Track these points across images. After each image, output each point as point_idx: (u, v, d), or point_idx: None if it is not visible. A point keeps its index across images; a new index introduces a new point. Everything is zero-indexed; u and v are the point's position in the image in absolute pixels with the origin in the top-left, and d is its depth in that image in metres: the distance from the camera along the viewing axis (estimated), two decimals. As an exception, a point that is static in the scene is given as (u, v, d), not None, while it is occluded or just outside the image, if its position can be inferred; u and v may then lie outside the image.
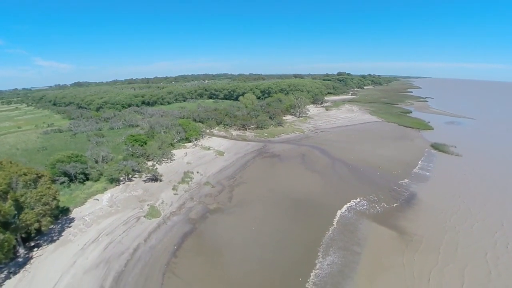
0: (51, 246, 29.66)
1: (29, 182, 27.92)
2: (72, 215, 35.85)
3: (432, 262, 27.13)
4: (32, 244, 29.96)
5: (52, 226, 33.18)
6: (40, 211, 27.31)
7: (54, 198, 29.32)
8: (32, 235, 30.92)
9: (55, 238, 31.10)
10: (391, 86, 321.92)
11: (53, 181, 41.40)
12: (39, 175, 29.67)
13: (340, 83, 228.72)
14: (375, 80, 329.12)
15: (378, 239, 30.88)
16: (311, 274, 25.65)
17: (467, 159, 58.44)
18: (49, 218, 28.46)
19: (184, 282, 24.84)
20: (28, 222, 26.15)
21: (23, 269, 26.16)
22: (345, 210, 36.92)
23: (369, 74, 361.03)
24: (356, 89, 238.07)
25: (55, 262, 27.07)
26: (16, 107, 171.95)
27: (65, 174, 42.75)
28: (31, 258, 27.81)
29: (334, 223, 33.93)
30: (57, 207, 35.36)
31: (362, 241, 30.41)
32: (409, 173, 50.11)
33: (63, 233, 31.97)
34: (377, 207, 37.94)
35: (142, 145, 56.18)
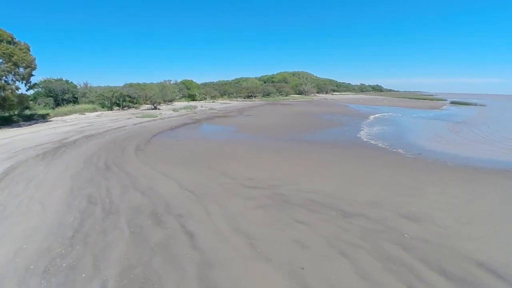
0: (16, 128, 23.39)
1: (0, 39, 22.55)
2: (51, 119, 29.76)
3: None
4: (-6, 127, 23.70)
5: (22, 122, 27.44)
6: (7, 68, 21.59)
7: (29, 66, 23.64)
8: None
9: (23, 126, 24.87)
10: (391, 92, 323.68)
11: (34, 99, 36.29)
12: (16, 41, 24.31)
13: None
14: (376, 88, 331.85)
15: (426, 123, 24.72)
16: (360, 133, 19.27)
17: (492, 108, 53.67)
18: (17, 85, 22.62)
19: (181, 143, 18.35)
20: (-13, 76, 20.38)
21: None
22: (379, 115, 30.94)
23: (369, 85, 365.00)
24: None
25: (14, 132, 20.75)
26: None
27: (50, 93, 37.23)
28: (-12, 133, 21.47)
29: (371, 118, 27.85)
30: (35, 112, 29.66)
31: (407, 123, 24.24)
32: (434, 109, 44.65)
33: (35, 125, 25.73)
34: (411, 116, 31.95)
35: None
